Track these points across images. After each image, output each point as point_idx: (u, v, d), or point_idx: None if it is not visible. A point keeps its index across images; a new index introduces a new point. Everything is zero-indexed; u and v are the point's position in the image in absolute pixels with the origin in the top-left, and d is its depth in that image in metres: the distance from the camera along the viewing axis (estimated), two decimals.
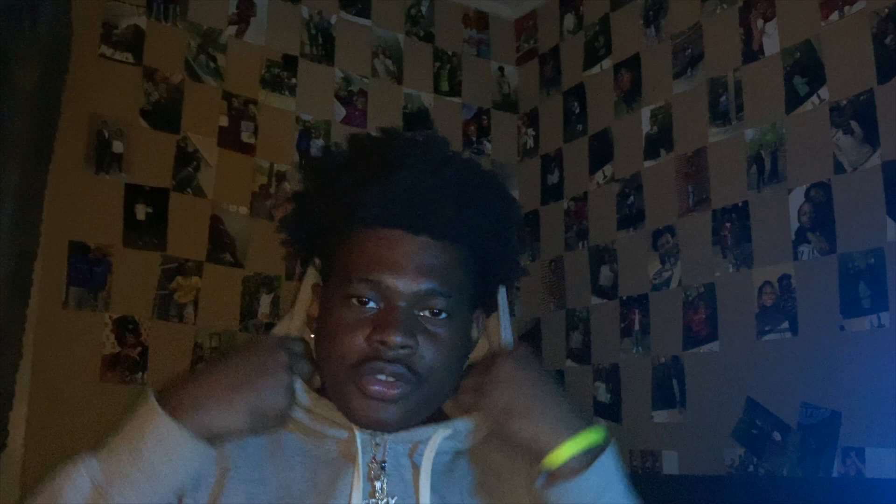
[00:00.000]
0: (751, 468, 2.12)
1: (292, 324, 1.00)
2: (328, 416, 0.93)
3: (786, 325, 2.09)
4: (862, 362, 1.92)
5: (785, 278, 2.10)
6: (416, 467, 0.93)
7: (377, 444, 0.93)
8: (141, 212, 2.29)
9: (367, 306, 0.90)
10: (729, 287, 2.24)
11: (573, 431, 0.88)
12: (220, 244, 2.40)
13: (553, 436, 0.88)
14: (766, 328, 2.13)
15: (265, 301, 2.44)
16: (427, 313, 0.91)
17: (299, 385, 0.93)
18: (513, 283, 0.97)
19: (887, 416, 1.86)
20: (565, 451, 0.88)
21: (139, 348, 2.23)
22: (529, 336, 2.84)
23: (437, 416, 0.97)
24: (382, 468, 0.92)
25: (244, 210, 2.45)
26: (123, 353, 2.20)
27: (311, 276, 1.02)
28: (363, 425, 0.91)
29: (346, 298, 0.90)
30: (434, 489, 0.92)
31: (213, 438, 0.85)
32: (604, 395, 2.56)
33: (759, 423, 2.12)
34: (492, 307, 1.01)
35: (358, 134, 0.99)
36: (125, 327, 2.21)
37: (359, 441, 0.91)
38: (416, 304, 0.90)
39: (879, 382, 1.88)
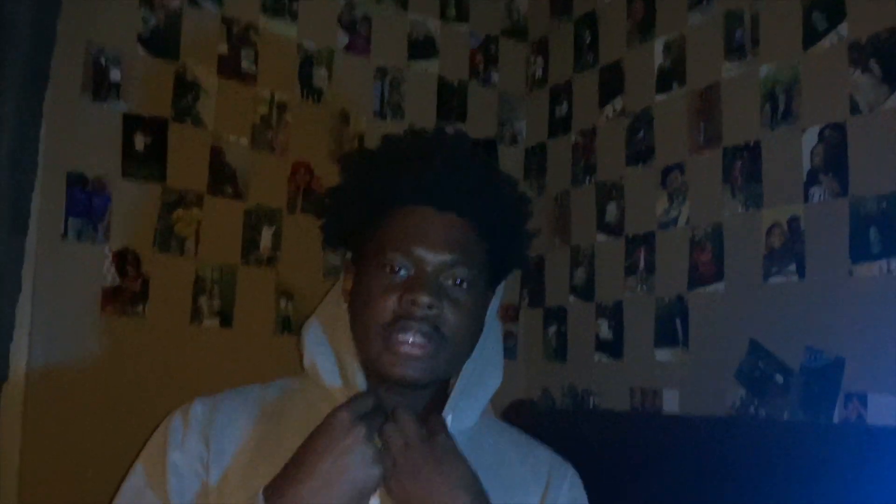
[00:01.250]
0: (752, 410, 2.12)
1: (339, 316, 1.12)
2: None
3: (793, 267, 2.06)
4: (869, 308, 1.90)
5: (794, 220, 2.06)
6: None
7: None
8: (140, 142, 2.24)
9: (399, 273, 1.02)
10: (737, 227, 2.20)
11: None
12: (221, 176, 2.36)
13: None
14: (773, 270, 2.10)
15: (266, 234, 2.42)
16: (450, 282, 1.03)
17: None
18: (521, 269, 1.13)
19: (891, 363, 1.84)
20: None
21: (140, 280, 2.21)
22: (532, 272, 2.82)
23: (440, 399, 1.09)
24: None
25: (245, 141, 2.40)
26: (124, 285, 2.19)
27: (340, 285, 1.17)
28: (392, 381, 1.02)
29: (380, 267, 1.03)
30: None
31: None
32: (606, 333, 2.55)
33: (762, 365, 2.10)
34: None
35: (390, 134, 1.14)
36: (125, 260, 2.20)
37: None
38: (441, 272, 1.03)
39: (885, 329, 1.86)
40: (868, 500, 1.74)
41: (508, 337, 2.83)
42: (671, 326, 2.35)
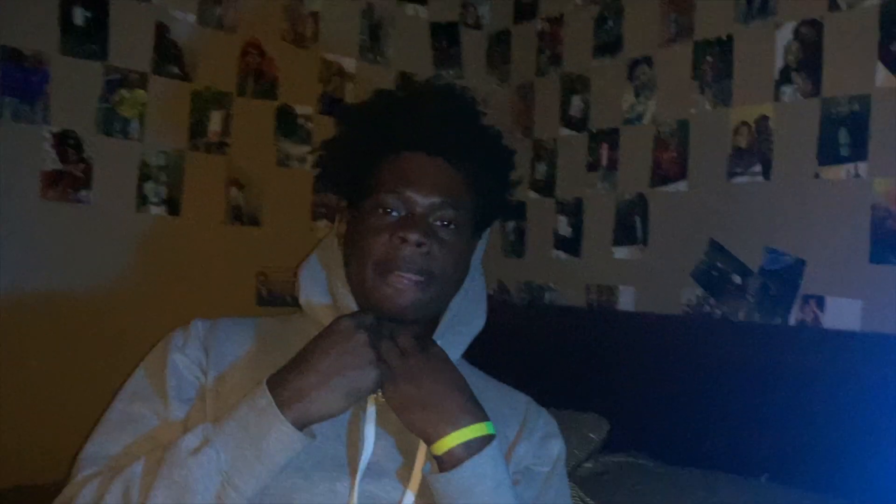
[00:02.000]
0: (707, 309, 2.12)
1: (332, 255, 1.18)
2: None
3: (758, 168, 2.02)
4: (833, 211, 1.88)
5: (763, 120, 2.02)
6: None
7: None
8: (79, 16, 2.09)
9: (391, 214, 1.08)
10: (704, 125, 2.15)
11: (459, 425, 1.01)
12: (167, 55, 2.22)
13: (440, 427, 1.01)
14: (738, 170, 2.06)
15: (216, 118, 2.30)
16: (439, 223, 1.09)
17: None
18: (505, 217, 1.16)
19: (852, 267, 1.84)
20: (447, 442, 1.00)
21: (82, 165, 2.10)
22: None
23: (428, 334, 1.12)
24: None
25: (192, 17, 2.25)
26: (66, 169, 2.07)
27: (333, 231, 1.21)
28: (385, 314, 1.07)
29: (374, 209, 1.09)
30: None
31: (313, 422, 1.00)
32: (565, 229, 2.52)
33: (721, 265, 2.09)
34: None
35: (382, 88, 1.18)
36: (66, 142, 2.07)
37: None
38: (431, 213, 1.09)
39: (848, 233, 1.85)
40: (821, 402, 1.77)
41: None
42: (631, 224, 2.32)
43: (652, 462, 1.91)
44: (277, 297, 2.40)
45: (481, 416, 1.03)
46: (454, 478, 1.00)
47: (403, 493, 1.04)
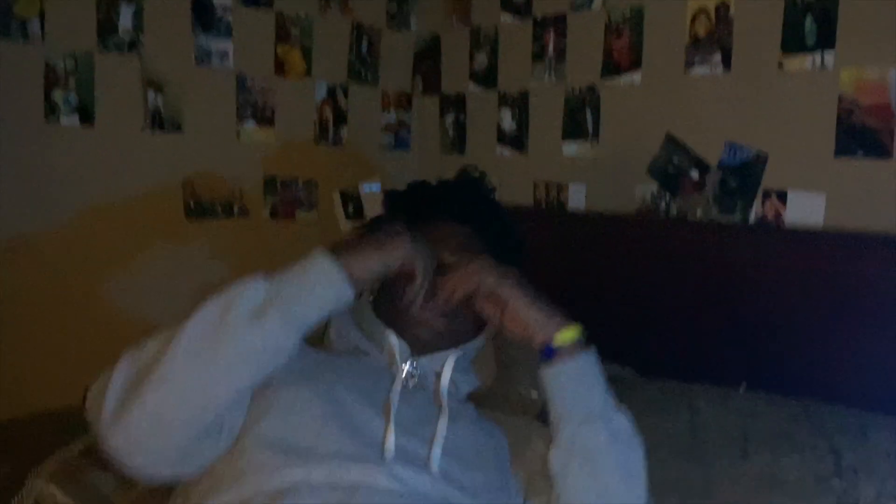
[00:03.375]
0: (663, 206, 2.06)
1: None
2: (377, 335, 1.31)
3: (718, 58, 1.93)
4: (797, 102, 1.81)
5: (723, 6, 1.91)
6: (437, 377, 1.26)
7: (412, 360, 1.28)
8: None
9: None
10: (659, 12, 2.04)
11: (568, 321, 1.18)
12: None
13: (555, 319, 1.18)
14: (696, 60, 1.97)
15: (126, 14, 2.06)
16: None
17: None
18: (512, 262, 1.27)
19: (816, 160, 1.79)
20: (568, 335, 1.17)
21: None
22: (426, 55, 2.59)
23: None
24: (413, 375, 1.27)
25: None
26: None
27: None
28: (413, 345, 1.28)
29: None
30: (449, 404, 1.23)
31: (354, 275, 1.11)
32: (508, 124, 2.40)
33: (677, 160, 2.02)
34: None
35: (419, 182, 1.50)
36: None
37: (397, 350, 1.26)
38: None
39: (813, 124, 1.79)
40: (779, 302, 1.74)
41: (401, 127, 2.63)
42: (581, 118, 2.22)
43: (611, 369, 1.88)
44: (207, 208, 2.24)
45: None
46: (577, 364, 1.16)
47: (431, 447, 1.14)
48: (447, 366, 1.25)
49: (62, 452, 1.51)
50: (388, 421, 1.14)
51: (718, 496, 1.31)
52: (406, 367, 1.25)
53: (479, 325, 1.34)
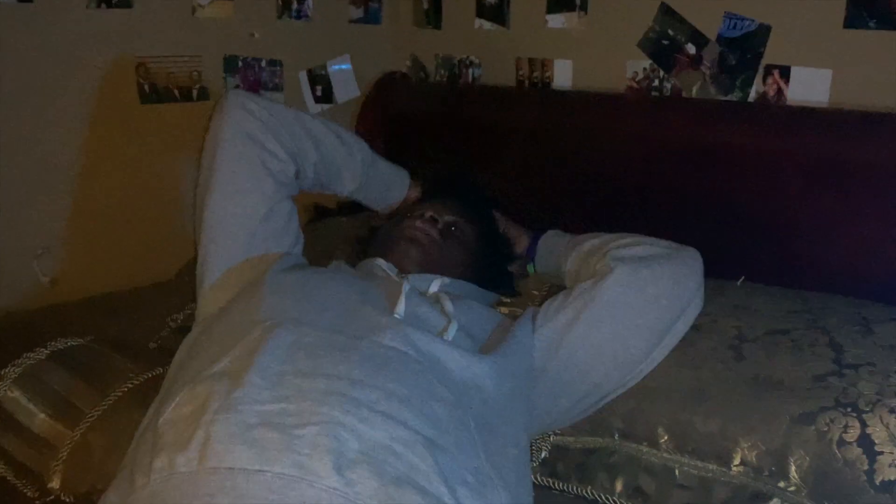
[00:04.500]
0: (656, 84, 1.93)
1: None
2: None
3: None
4: None
5: None
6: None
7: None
8: None
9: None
10: None
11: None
12: None
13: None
14: None
15: None
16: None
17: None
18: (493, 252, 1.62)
19: (823, 33, 1.66)
20: None
21: None
22: None
23: None
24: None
25: None
26: None
27: None
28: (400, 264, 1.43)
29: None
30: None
31: None
32: None
33: (672, 33, 1.87)
34: None
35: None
36: None
37: (388, 269, 1.40)
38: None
39: None
40: (780, 186, 1.64)
41: None
42: None
43: None
44: (163, 92, 2.06)
45: None
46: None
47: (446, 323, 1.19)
48: (434, 283, 1.33)
49: (27, 357, 1.41)
50: (399, 294, 1.19)
51: (710, 401, 1.23)
52: (405, 281, 1.27)
53: (471, 266, 1.51)
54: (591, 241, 1.46)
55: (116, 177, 2.00)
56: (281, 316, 1.07)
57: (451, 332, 1.15)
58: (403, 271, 1.39)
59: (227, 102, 1.44)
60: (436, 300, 1.27)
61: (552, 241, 1.59)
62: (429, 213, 1.51)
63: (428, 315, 1.19)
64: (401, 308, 1.16)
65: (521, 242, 1.64)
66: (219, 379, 0.93)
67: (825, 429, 1.12)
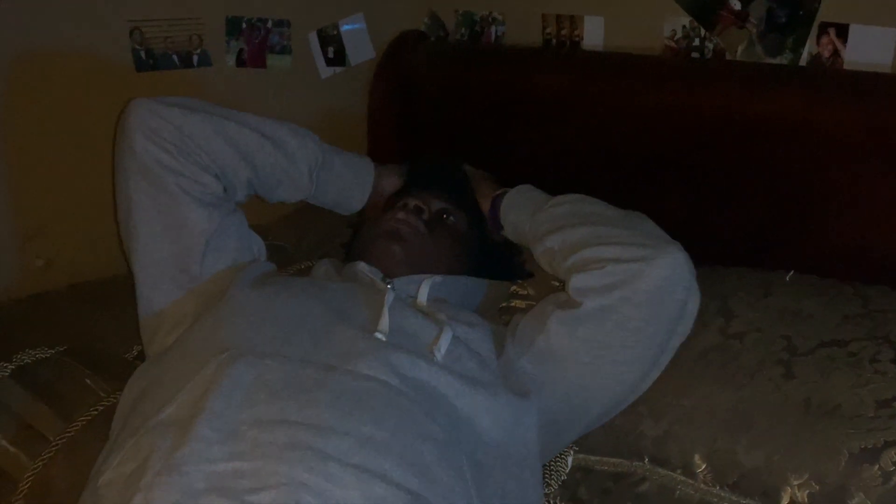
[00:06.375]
0: (696, 44, 1.75)
1: None
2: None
3: None
4: None
5: None
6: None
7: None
8: None
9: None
10: None
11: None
12: None
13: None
14: None
15: None
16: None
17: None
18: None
19: None
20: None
21: None
22: None
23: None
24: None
25: None
26: None
27: None
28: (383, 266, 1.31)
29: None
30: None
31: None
32: None
33: None
34: None
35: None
36: None
37: (371, 273, 1.27)
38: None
39: None
40: (835, 160, 1.46)
41: None
42: None
43: None
44: (160, 58, 1.93)
45: None
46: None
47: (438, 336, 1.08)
48: (423, 285, 1.22)
49: None
50: (382, 306, 1.09)
51: (755, 428, 1.08)
52: (389, 290, 1.18)
53: (462, 260, 1.39)
54: (561, 234, 1.26)
55: (108, 153, 1.89)
56: (242, 345, 0.95)
57: (444, 345, 1.04)
58: (389, 274, 1.26)
59: (129, 123, 1.28)
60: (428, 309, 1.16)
61: (520, 200, 1.41)
62: (413, 203, 1.37)
63: (417, 328, 1.08)
64: (384, 324, 1.05)
65: (484, 204, 1.48)
66: (163, 431, 0.81)
67: (892, 468, 0.96)
